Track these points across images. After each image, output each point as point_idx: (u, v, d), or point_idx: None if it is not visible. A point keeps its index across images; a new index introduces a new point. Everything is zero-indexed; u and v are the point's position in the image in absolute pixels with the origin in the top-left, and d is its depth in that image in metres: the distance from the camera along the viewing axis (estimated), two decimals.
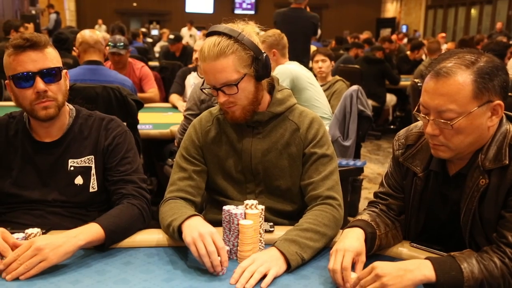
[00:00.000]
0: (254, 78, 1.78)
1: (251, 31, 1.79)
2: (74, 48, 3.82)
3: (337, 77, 4.95)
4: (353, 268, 1.48)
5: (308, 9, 6.18)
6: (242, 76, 1.74)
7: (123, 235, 1.71)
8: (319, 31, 6.15)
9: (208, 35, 1.78)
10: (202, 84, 1.83)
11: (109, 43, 4.58)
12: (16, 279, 1.46)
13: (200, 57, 1.77)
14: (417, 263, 1.40)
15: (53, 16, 15.70)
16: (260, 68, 1.76)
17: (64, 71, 1.89)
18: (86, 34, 3.80)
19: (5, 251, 1.50)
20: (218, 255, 1.49)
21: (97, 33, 3.91)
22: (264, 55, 1.77)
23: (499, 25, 14.54)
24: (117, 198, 1.86)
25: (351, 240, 1.52)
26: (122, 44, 4.57)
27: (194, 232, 1.54)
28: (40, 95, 1.78)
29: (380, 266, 1.37)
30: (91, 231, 1.61)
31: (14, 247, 1.51)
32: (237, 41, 1.73)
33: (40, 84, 1.77)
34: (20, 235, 1.58)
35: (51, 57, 1.81)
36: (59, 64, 1.85)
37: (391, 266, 1.38)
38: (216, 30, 1.76)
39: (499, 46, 5.02)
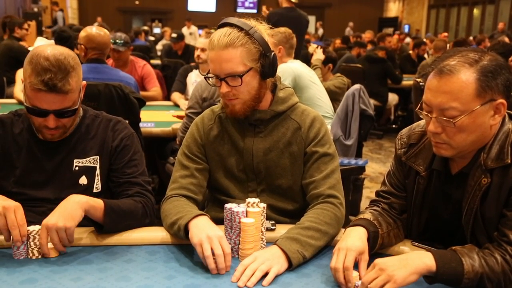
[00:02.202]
0: (259, 75, 1.78)
1: (263, 30, 1.80)
2: (80, 45, 3.79)
3: (338, 75, 4.95)
4: (356, 267, 1.48)
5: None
6: (248, 70, 1.75)
7: (122, 218, 1.73)
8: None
9: (220, 26, 1.79)
10: (208, 73, 1.83)
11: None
12: (18, 276, 1.47)
13: (208, 46, 1.78)
14: (417, 253, 1.42)
15: (60, 14, 15.78)
16: (267, 65, 1.77)
17: (83, 83, 1.85)
18: (92, 32, 3.76)
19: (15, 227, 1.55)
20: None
21: (106, 32, 3.87)
22: (273, 53, 1.78)
23: (501, 25, 14.52)
24: (123, 199, 1.87)
25: (354, 239, 1.52)
26: (122, 41, 4.56)
27: (202, 234, 1.54)
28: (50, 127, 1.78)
29: (381, 261, 1.38)
30: (94, 199, 1.69)
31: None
32: (248, 34, 1.74)
33: (52, 121, 1.76)
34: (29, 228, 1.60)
35: (70, 97, 1.75)
36: (76, 99, 1.78)
37: (392, 258, 1.40)
38: (228, 22, 1.77)
39: (504, 48, 5.02)
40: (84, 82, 1.87)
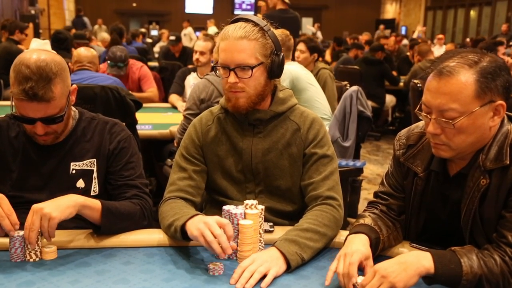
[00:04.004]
0: (267, 72, 1.79)
1: (275, 30, 1.83)
2: (69, 65, 3.94)
3: (320, 65, 4.93)
4: (360, 271, 1.46)
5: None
6: (259, 63, 1.76)
7: (120, 219, 1.73)
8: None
9: (233, 21, 1.81)
10: (216, 63, 1.83)
11: (109, 62, 4.48)
12: (15, 279, 1.46)
13: (221, 36, 1.79)
14: (416, 255, 1.42)
15: (87, 20, 15.95)
16: (276, 63, 1.79)
17: (73, 87, 1.84)
18: (82, 52, 3.87)
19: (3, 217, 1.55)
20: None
21: (92, 52, 3.94)
22: (282, 54, 1.80)
23: (504, 27, 14.47)
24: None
25: (358, 245, 1.51)
26: (122, 64, 4.46)
27: (200, 224, 1.54)
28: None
29: (382, 267, 1.37)
30: (91, 200, 1.68)
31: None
32: (262, 30, 1.76)
33: (40, 128, 1.75)
34: (20, 232, 1.59)
35: (55, 104, 1.72)
36: (63, 106, 1.76)
37: (391, 263, 1.38)
38: (242, 17, 1.80)
39: (486, 43, 5.11)
40: (74, 86, 1.86)
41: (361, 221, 1.65)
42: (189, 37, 15.00)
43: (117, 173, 1.91)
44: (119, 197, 1.88)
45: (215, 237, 1.49)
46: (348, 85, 5.07)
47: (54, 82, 1.70)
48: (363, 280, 1.39)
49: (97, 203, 1.69)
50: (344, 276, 1.42)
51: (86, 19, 16.67)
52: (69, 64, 3.90)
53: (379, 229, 1.61)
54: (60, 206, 1.58)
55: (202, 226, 1.53)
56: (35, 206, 1.56)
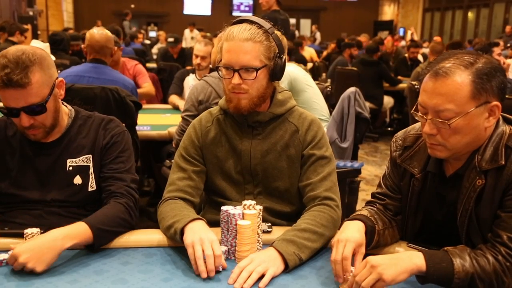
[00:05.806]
0: (269, 75, 1.80)
1: (279, 33, 1.83)
2: (82, 46, 3.83)
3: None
4: (352, 260, 1.49)
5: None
6: (263, 66, 1.77)
7: (110, 234, 1.71)
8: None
9: (237, 22, 1.81)
10: (219, 62, 1.83)
11: None
12: (14, 279, 1.47)
13: (226, 37, 1.78)
14: (409, 253, 1.44)
15: (127, 24, 15.84)
16: (279, 66, 1.80)
17: (59, 79, 1.84)
18: (91, 32, 3.78)
19: None
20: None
21: (107, 34, 3.82)
22: (284, 57, 1.80)
23: (508, 28, 14.47)
24: (106, 196, 1.87)
25: (352, 231, 1.54)
26: None
27: (196, 236, 1.54)
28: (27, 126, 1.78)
29: (373, 258, 1.39)
30: (78, 231, 1.61)
31: None
32: (266, 32, 1.77)
33: (25, 119, 1.75)
34: (5, 255, 1.56)
35: (34, 92, 1.72)
36: (44, 95, 1.75)
37: (384, 257, 1.41)
38: (247, 19, 1.80)
39: (481, 45, 5.14)
40: (61, 78, 1.86)
41: (358, 212, 1.68)
42: (197, 40, 14.97)
43: (106, 165, 1.91)
44: (105, 190, 1.87)
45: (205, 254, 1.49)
46: (330, 87, 5.02)
47: (31, 69, 1.70)
48: (356, 269, 1.42)
49: (86, 232, 1.62)
50: (337, 263, 1.46)
51: (126, 23, 16.44)
52: (82, 46, 3.82)
53: (375, 221, 1.64)
54: (44, 260, 1.50)
55: (196, 239, 1.53)
56: (16, 257, 1.48)
